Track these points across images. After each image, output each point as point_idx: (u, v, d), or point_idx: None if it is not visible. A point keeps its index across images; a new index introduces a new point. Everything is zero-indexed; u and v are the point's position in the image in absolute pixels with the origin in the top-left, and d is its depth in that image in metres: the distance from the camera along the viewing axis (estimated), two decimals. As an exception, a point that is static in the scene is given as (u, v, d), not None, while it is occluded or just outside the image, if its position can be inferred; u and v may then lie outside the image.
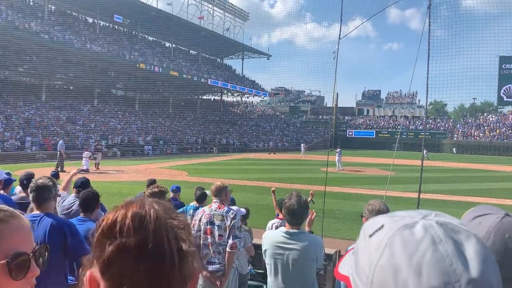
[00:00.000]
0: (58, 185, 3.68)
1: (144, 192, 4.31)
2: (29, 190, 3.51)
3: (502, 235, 1.09)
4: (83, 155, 23.57)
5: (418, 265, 0.58)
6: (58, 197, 4.44)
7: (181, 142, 46.81)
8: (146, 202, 0.83)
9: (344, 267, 0.75)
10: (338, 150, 28.93)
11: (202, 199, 6.67)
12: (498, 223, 1.12)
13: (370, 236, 0.67)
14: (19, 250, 0.98)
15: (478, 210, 1.19)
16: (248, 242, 5.87)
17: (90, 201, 4.06)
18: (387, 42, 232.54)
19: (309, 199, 6.67)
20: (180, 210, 6.96)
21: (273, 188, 7.30)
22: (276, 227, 5.35)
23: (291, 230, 3.36)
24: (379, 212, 3.11)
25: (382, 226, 0.66)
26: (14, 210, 1.07)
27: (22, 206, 4.72)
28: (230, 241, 4.36)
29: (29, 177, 5.54)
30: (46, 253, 1.04)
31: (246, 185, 18.19)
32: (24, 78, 43.68)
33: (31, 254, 1.00)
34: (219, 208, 4.53)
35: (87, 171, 22.10)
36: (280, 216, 5.65)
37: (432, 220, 0.64)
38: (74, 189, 5.42)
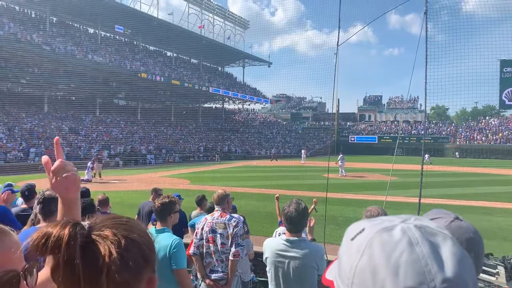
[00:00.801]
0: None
1: (155, 202, 4.33)
2: (36, 201, 3.48)
3: None
4: (87, 165, 23.79)
5: (395, 265, 0.61)
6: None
7: (183, 150, 46.88)
8: (62, 223, 0.87)
9: (330, 273, 0.78)
10: (340, 156, 28.89)
11: (210, 211, 6.70)
12: (446, 226, 1.15)
13: (352, 239, 0.70)
14: (8, 268, 0.97)
15: (430, 214, 1.23)
16: (250, 248, 5.87)
17: (85, 211, 4.04)
18: (388, 47, 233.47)
19: (312, 207, 6.65)
20: (190, 223, 6.88)
21: (277, 195, 7.25)
22: (280, 235, 5.35)
23: (291, 238, 3.35)
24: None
25: (363, 229, 0.69)
26: (3, 227, 1.06)
27: (23, 217, 4.72)
28: (233, 249, 4.36)
29: (30, 188, 5.53)
30: (35, 271, 1.02)
31: (248, 192, 18.18)
32: (27, 90, 43.94)
33: (21, 272, 0.98)
34: (221, 216, 4.53)
35: (88, 181, 22.20)
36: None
37: (410, 223, 0.67)
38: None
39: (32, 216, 4.07)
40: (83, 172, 23.61)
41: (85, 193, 5.49)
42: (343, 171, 28.21)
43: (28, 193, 5.48)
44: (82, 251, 0.82)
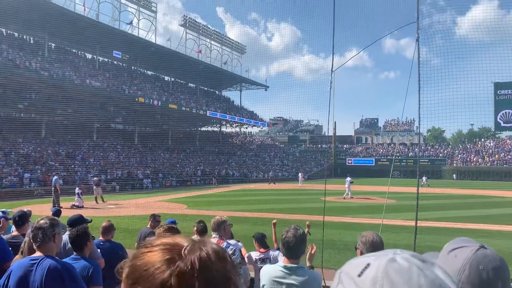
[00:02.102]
0: (62, 224, 3.62)
1: (158, 228, 4.36)
2: (30, 229, 3.48)
3: (477, 267, 1.13)
4: (75, 191, 23.44)
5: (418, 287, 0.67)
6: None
7: (180, 174, 46.75)
8: (211, 241, 0.90)
9: None
10: (348, 179, 29.13)
11: (202, 234, 6.64)
12: (472, 255, 1.16)
13: (359, 275, 0.72)
14: None
15: (455, 243, 1.24)
16: (247, 275, 5.78)
17: (80, 239, 4.00)
18: (383, 71, 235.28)
19: (305, 230, 6.61)
20: None
21: (274, 221, 7.19)
22: (255, 260, 5.29)
23: (289, 265, 3.32)
24: (372, 243, 3.11)
25: (368, 264, 0.72)
26: None
27: (14, 245, 4.66)
28: (230, 278, 4.29)
29: (22, 215, 5.46)
30: None
31: (245, 216, 18.04)
32: (24, 115, 44.03)
33: None
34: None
35: (80, 207, 22.06)
36: (262, 249, 5.58)
37: (404, 254, 0.73)
38: (68, 227, 5.37)
39: (22, 245, 4.02)
40: (73, 198, 23.31)
41: (78, 221, 5.38)
42: (349, 193, 28.42)
43: (19, 219, 5.42)
44: None
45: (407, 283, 0.67)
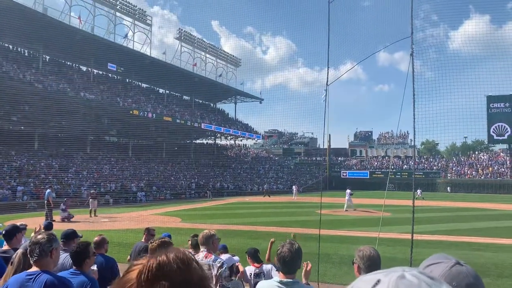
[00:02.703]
0: (58, 240, 3.59)
1: (151, 243, 4.32)
2: (28, 243, 3.47)
3: (450, 283, 1.14)
4: (60, 207, 23.11)
5: None
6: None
7: (174, 187, 46.50)
8: (180, 249, 0.95)
9: None
10: (348, 191, 28.87)
11: (196, 249, 6.57)
12: (447, 271, 1.17)
13: None
14: None
15: (432, 259, 1.26)
16: (241, 290, 5.73)
17: (81, 253, 3.96)
18: (377, 84, 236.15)
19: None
20: None
21: (272, 239, 7.16)
22: (250, 275, 5.30)
23: (285, 280, 3.29)
24: (370, 257, 3.10)
25: (379, 280, 0.74)
26: None
27: (4, 260, 4.59)
28: (217, 292, 4.27)
29: (11, 229, 5.38)
30: None
31: (240, 230, 17.95)
32: (17, 127, 43.76)
33: None
34: (206, 257, 4.47)
35: (68, 217, 21.95)
36: (256, 264, 5.58)
37: (412, 271, 0.75)
38: (61, 241, 5.30)
39: (13, 255, 3.97)
40: (57, 211, 22.91)
41: (71, 235, 5.29)
42: (349, 205, 28.27)
43: (7, 233, 5.34)
44: None
45: None
